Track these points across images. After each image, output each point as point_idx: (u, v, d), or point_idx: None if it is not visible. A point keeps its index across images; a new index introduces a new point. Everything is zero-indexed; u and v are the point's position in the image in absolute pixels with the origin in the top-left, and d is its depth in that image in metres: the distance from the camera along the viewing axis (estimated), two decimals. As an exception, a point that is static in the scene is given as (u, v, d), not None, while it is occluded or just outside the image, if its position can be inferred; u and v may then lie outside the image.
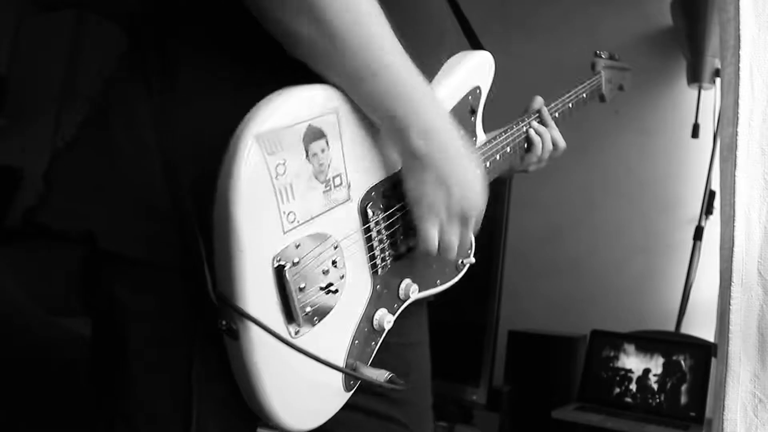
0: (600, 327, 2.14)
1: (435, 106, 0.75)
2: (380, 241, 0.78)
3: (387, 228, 0.79)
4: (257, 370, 0.67)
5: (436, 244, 0.78)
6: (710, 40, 2.20)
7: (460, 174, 0.75)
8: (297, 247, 0.68)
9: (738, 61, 1.14)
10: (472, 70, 0.92)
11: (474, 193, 0.78)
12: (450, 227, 0.78)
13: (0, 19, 3.55)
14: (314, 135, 0.68)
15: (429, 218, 0.76)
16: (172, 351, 0.71)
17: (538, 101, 1.09)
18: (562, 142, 1.07)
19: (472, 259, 0.95)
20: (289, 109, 0.66)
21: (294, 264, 0.67)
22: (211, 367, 0.70)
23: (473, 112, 0.92)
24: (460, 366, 2.05)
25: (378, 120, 0.73)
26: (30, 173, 3.28)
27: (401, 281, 0.82)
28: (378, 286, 0.79)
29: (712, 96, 2.27)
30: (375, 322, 0.79)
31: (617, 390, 2.04)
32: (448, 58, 0.91)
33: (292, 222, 0.67)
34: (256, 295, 0.65)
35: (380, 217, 0.77)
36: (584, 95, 1.22)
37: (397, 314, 0.81)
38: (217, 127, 0.64)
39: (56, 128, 3.35)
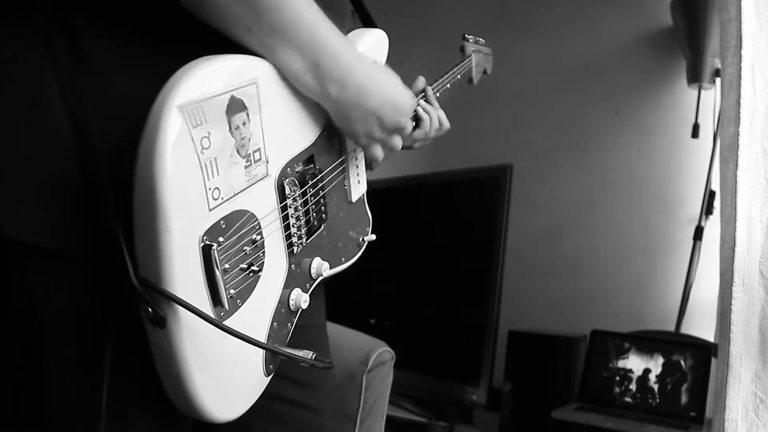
0: (600, 327, 2.14)
1: (349, 48, 0.76)
2: (297, 219, 0.77)
3: (302, 205, 0.78)
4: (185, 359, 0.63)
5: (381, 156, 0.87)
6: (710, 40, 2.20)
7: (383, 98, 0.80)
8: (222, 225, 0.65)
9: (740, 61, 1.14)
10: (370, 47, 0.91)
11: (400, 104, 0.83)
12: (391, 140, 0.85)
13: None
14: (236, 107, 0.66)
15: (370, 144, 0.84)
16: (87, 346, 0.68)
17: (422, 80, 1.11)
18: (446, 122, 1.10)
19: (372, 236, 0.96)
20: (211, 79, 0.63)
21: (219, 243, 0.64)
22: (130, 360, 0.67)
23: None
24: (460, 366, 2.05)
25: (297, 78, 0.72)
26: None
27: (312, 259, 0.81)
28: (293, 266, 0.77)
29: (712, 96, 2.27)
30: (291, 303, 0.77)
31: (617, 390, 2.04)
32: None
33: (216, 199, 0.64)
34: (183, 277, 0.61)
35: (297, 194, 0.76)
36: (459, 77, 1.24)
37: (309, 293, 0.80)
38: (133, 100, 0.61)
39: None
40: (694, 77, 2.28)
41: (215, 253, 0.63)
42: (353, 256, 0.92)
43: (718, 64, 2.20)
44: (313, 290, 0.83)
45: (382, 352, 1.53)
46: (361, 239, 0.93)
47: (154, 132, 0.58)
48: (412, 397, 2.11)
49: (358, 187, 0.93)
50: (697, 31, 2.23)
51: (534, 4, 2.70)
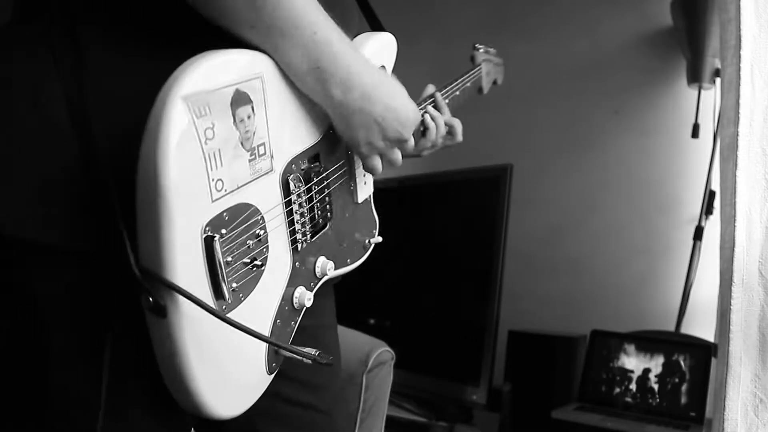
0: (600, 327, 2.14)
1: (353, 52, 0.75)
2: (301, 215, 0.77)
3: (307, 202, 0.78)
4: (185, 350, 0.63)
5: (380, 169, 0.85)
6: (710, 40, 2.20)
7: (386, 111, 0.78)
8: (225, 217, 0.65)
9: (739, 61, 1.14)
10: (378, 50, 0.91)
11: (405, 115, 0.81)
12: (391, 152, 0.84)
13: (0, 19, 3.54)
14: (241, 100, 0.66)
15: (370, 153, 0.82)
16: (88, 341, 0.69)
17: (431, 87, 1.11)
18: (458, 126, 1.09)
19: (378, 239, 0.95)
20: (216, 72, 0.63)
21: (222, 236, 0.64)
22: (133, 355, 0.68)
23: None
24: (460, 366, 2.05)
25: (300, 78, 0.72)
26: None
27: (317, 258, 0.81)
28: (297, 263, 0.77)
29: (712, 96, 2.27)
30: (295, 300, 0.77)
31: (617, 390, 2.04)
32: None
33: (219, 190, 0.64)
34: (185, 268, 0.61)
35: (301, 190, 0.76)
36: (468, 85, 1.24)
37: (314, 292, 0.80)
38: (133, 97, 0.62)
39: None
40: (694, 77, 2.27)
41: (217, 245, 0.63)
42: (359, 258, 0.92)
43: (718, 64, 2.20)
44: (321, 291, 0.83)
45: (382, 352, 1.53)
46: (367, 241, 0.93)
47: (158, 121, 0.59)
48: (412, 397, 2.11)
49: (364, 188, 0.93)
50: (697, 31, 2.23)
51: (534, 4, 2.70)
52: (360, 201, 0.92)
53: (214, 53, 0.64)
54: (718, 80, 2.18)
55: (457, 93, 1.18)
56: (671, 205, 2.45)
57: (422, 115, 1.04)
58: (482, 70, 1.31)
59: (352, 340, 1.57)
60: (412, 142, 0.85)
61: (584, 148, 2.61)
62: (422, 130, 1.06)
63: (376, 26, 0.97)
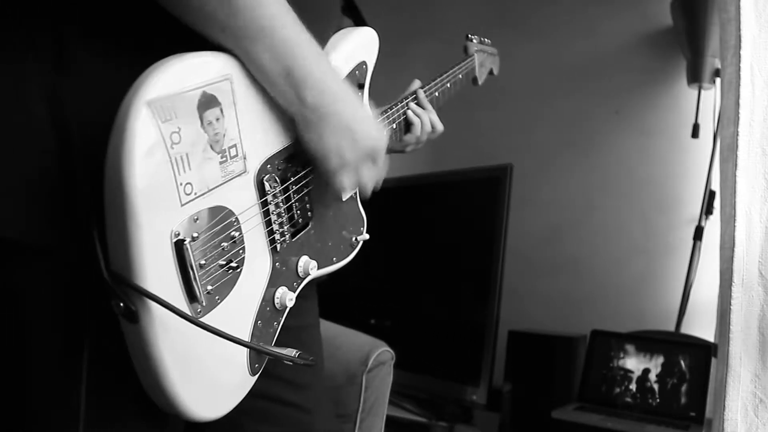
0: (600, 327, 2.14)
1: (325, 59, 0.75)
2: (278, 215, 0.76)
3: (284, 201, 0.77)
4: (159, 355, 0.62)
5: (349, 188, 0.80)
6: (710, 40, 2.20)
7: (358, 118, 0.77)
8: (195, 220, 0.65)
9: (739, 61, 1.14)
10: (359, 46, 0.90)
11: (376, 132, 0.80)
12: (362, 168, 0.79)
13: None
14: (208, 102, 0.65)
15: (340, 166, 0.77)
16: (67, 343, 0.68)
17: (416, 83, 1.11)
18: (439, 125, 1.09)
19: (366, 236, 0.93)
20: (181, 75, 0.63)
21: (193, 239, 0.64)
22: (112, 358, 0.67)
23: (360, 86, 0.91)
24: (460, 366, 2.05)
25: (270, 82, 0.71)
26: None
27: (299, 258, 0.80)
28: (277, 264, 0.77)
29: (712, 96, 2.27)
30: (276, 301, 0.76)
31: (617, 390, 2.04)
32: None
33: (188, 194, 0.64)
34: (155, 272, 0.61)
35: (277, 190, 0.76)
36: (460, 76, 1.23)
37: (297, 292, 0.80)
38: (111, 99, 0.61)
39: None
40: (694, 77, 2.28)
41: (188, 248, 0.63)
42: (346, 257, 0.90)
43: (718, 64, 2.20)
44: (304, 291, 0.82)
45: (382, 352, 1.53)
46: (354, 239, 0.91)
47: (122, 127, 0.59)
48: (412, 397, 2.11)
49: None
50: (697, 31, 2.23)
51: (534, 4, 2.70)
52: (345, 198, 0.90)
53: (179, 56, 0.63)
54: (718, 80, 2.18)
55: (448, 85, 1.17)
56: (671, 205, 2.45)
57: (405, 112, 1.06)
58: (475, 61, 1.29)
59: (352, 340, 1.57)
60: (383, 157, 0.83)
61: (584, 148, 2.61)
62: (405, 126, 1.06)
63: (359, 21, 0.95)
